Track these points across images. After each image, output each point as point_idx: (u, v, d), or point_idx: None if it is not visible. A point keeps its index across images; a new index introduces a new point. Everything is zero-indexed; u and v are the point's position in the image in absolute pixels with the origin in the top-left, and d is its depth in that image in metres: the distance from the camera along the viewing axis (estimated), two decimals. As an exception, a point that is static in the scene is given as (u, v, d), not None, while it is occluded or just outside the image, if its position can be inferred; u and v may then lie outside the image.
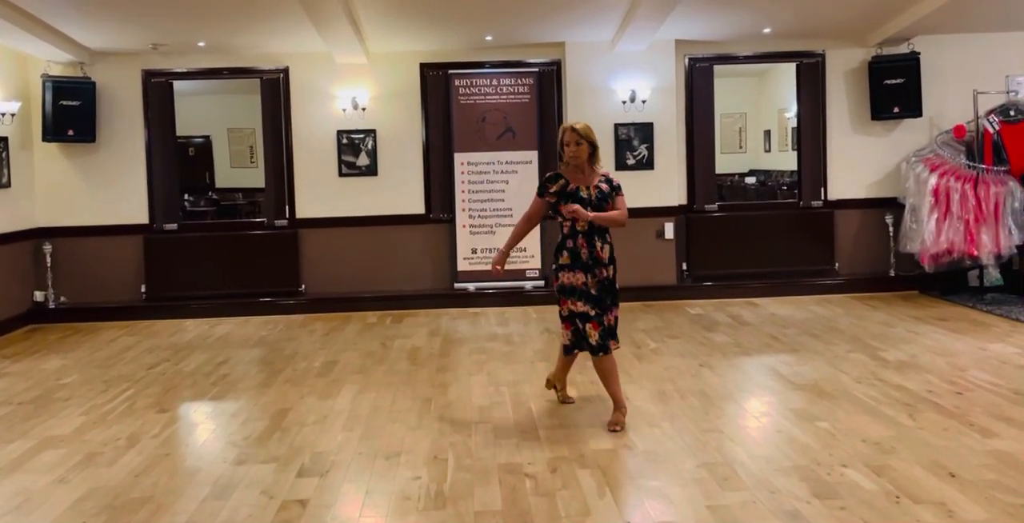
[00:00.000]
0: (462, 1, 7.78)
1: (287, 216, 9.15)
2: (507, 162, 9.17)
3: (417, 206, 9.22)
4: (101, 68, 8.87)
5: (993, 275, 8.78)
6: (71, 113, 8.61)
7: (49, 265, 8.81)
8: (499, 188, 9.16)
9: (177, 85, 9.29)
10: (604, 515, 3.76)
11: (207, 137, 13.89)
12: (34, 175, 8.88)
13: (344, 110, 9.04)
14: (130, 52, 8.82)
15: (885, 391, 5.51)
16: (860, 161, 9.33)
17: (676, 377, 6.00)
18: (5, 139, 8.27)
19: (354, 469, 4.40)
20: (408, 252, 9.22)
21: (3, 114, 8.14)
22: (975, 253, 8.32)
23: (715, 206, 9.38)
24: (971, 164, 8.55)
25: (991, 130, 8.53)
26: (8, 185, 8.32)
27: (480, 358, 6.78)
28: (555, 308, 8.67)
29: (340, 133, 9.11)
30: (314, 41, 8.32)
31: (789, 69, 10.28)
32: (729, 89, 12.53)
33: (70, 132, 8.64)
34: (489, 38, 8.84)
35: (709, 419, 5.06)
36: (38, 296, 8.80)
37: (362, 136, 9.13)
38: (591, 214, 4.88)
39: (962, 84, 9.00)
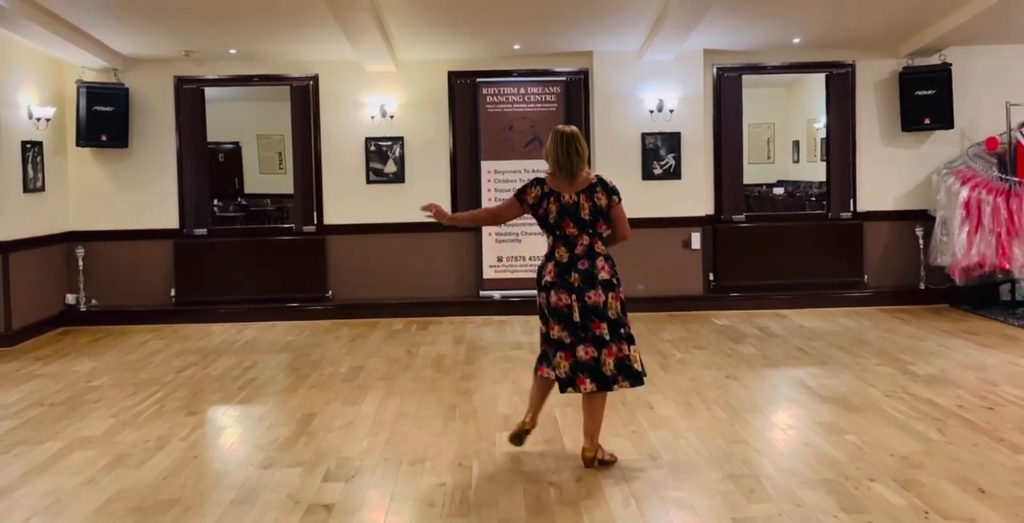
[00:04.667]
0: (491, 10, 7.83)
1: (315, 222, 9.22)
2: (534, 171, 9.15)
3: (444, 214, 9.24)
4: (134, 74, 9.00)
5: (1025, 289, 8.67)
6: (104, 119, 8.74)
7: (81, 268, 8.93)
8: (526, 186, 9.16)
9: (208, 92, 9.40)
10: (629, 525, 3.76)
11: (236, 143, 14.04)
12: (68, 179, 9.01)
13: (372, 117, 9.11)
14: (163, 59, 8.94)
15: (914, 405, 5.46)
16: (890, 173, 9.26)
17: (702, 388, 5.98)
18: (40, 144, 8.40)
19: (379, 475, 4.42)
20: (434, 260, 9.25)
21: (38, 119, 8.28)
22: (1007, 266, 8.23)
23: (742, 216, 9.34)
24: (1003, 177, 8.46)
25: (1024, 142, 8.44)
26: (42, 189, 8.45)
27: (505, 366, 6.79)
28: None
29: (368, 140, 9.17)
30: (343, 49, 8.40)
31: (818, 79, 10.23)
32: (757, 99, 12.48)
33: (103, 137, 8.76)
34: (517, 47, 8.87)
35: (735, 431, 5.03)
36: (70, 299, 8.92)
37: (390, 143, 9.18)
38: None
39: (994, 96, 8.92)
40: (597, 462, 4.46)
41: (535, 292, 4.56)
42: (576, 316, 4.36)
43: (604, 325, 4.37)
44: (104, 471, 4.55)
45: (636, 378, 4.44)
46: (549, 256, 4.50)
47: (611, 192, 4.47)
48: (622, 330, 4.45)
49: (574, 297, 4.36)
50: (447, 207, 9.20)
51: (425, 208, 4.67)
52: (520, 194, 4.54)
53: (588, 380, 4.36)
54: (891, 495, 4.00)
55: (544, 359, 4.56)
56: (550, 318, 4.44)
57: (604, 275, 4.39)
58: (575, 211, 4.40)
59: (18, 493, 4.28)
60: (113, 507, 4.07)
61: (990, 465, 4.37)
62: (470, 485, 4.25)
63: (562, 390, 4.44)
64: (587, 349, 4.37)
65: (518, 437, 4.61)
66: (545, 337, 4.53)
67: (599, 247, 4.45)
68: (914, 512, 3.81)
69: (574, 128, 4.58)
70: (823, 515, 3.79)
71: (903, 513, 3.80)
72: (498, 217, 4.84)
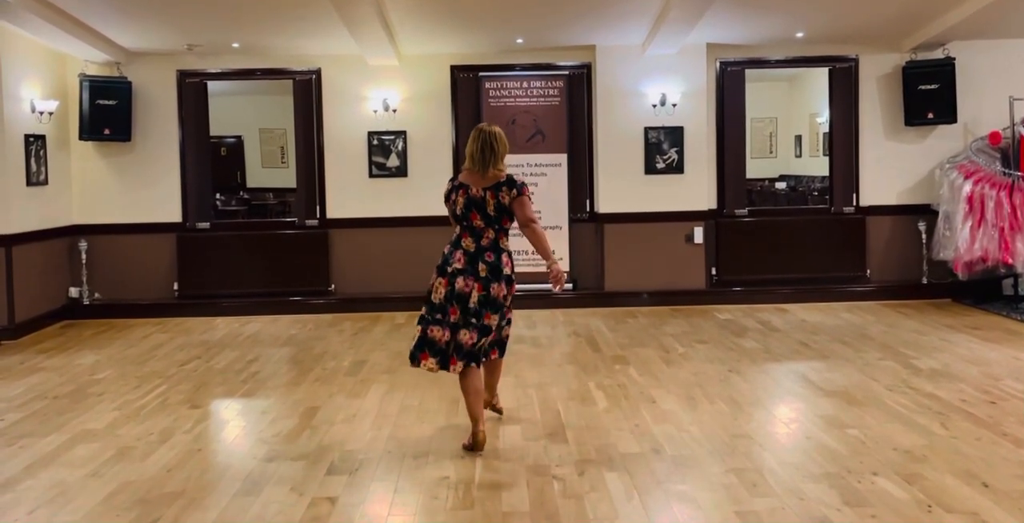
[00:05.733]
0: (493, 4, 7.82)
1: (317, 216, 9.23)
2: (536, 164, 9.18)
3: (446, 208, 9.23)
4: (137, 68, 8.99)
5: (1028, 284, 8.67)
6: (107, 112, 8.73)
7: (84, 262, 8.93)
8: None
9: (210, 85, 9.39)
10: (632, 519, 3.76)
11: (239, 137, 14.01)
12: (70, 173, 9.01)
13: (375, 111, 9.10)
14: (165, 52, 8.94)
15: (917, 399, 5.46)
16: (893, 167, 9.25)
17: (705, 382, 5.98)
18: (43, 137, 8.40)
19: (383, 468, 4.43)
20: (437, 253, 9.12)
21: (41, 113, 8.28)
22: (1010, 261, 8.22)
23: (745, 211, 9.33)
24: (1006, 171, 8.45)
25: (1027, 137, 8.43)
26: (45, 183, 8.45)
27: (507, 360, 6.69)
28: (582, 311, 8.78)
29: (371, 134, 9.17)
30: (346, 43, 8.39)
31: (821, 73, 10.21)
32: (760, 93, 12.45)
33: (106, 131, 8.76)
34: (520, 41, 8.86)
35: (738, 425, 5.03)
36: (73, 292, 8.93)
37: (392, 137, 9.18)
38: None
39: (998, 90, 8.90)
40: (491, 407, 5.07)
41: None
42: (472, 303, 4.63)
43: (496, 317, 4.70)
44: (108, 464, 4.56)
45: (503, 350, 4.95)
46: (456, 245, 4.77)
47: (513, 187, 4.67)
48: (505, 320, 4.85)
49: (478, 286, 4.64)
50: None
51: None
52: (444, 197, 4.84)
53: (460, 362, 4.64)
54: (894, 489, 4.00)
55: (422, 345, 4.69)
56: (450, 302, 4.65)
57: (507, 270, 4.71)
58: (482, 206, 4.67)
59: (23, 485, 4.29)
60: (117, 499, 4.08)
61: (993, 459, 4.37)
62: (473, 478, 4.26)
63: (413, 363, 4.70)
64: (471, 335, 4.63)
65: (477, 447, 4.65)
66: (429, 320, 4.70)
67: (503, 243, 4.74)
68: (917, 506, 3.82)
69: (496, 129, 4.79)
70: (826, 509, 3.80)
71: (906, 507, 3.81)
72: (454, 223, 4.89)
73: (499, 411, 5.21)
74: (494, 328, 4.72)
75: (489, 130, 4.75)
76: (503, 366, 5.14)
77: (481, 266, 4.67)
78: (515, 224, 4.76)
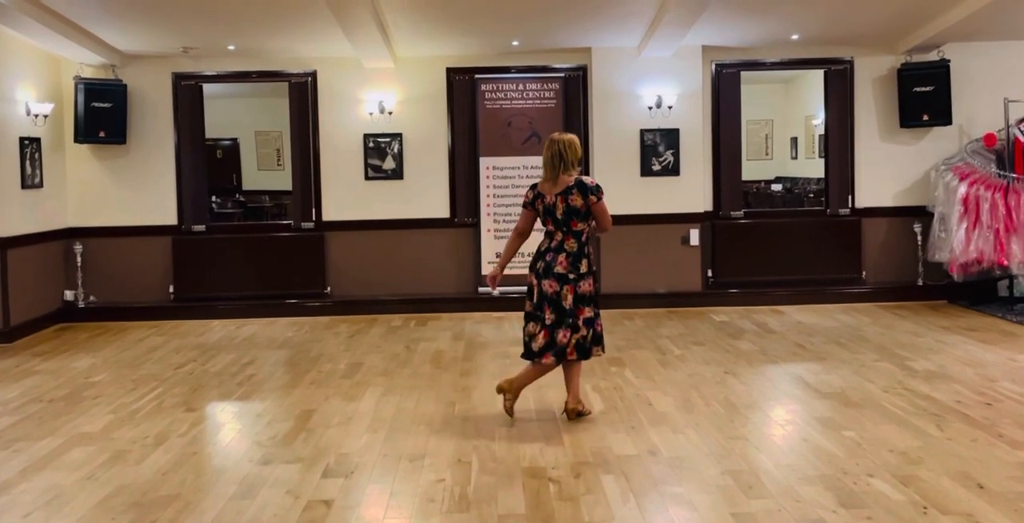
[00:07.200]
0: (489, 7, 7.83)
1: (313, 219, 9.22)
2: (532, 167, 9.17)
3: (442, 210, 9.26)
4: (132, 71, 8.98)
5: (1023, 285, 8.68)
6: (102, 115, 8.72)
7: (79, 265, 8.92)
8: (524, 193, 9.15)
9: (206, 88, 9.38)
10: (628, 521, 3.76)
11: (235, 140, 14.02)
12: (66, 176, 9.00)
13: (371, 114, 9.10)
14: (161, 55, 8.93)
15: (913, 401, 5.47)
16: (888, 169, 9.26)
17: (701, 384, 5.98)
18: (38, 140, 8.39)
19: (378, 471, 4.43)
20: (433, 256, 9.25)
21: (36, 115, 8.27)
22: (1005, 263, 8.24)
23: (741, 213, 9.34)
24: (1001, 173, 8.46)
25: (1022, 138, 8.44)
26: (40, 185, 8.44)
27: (504, 362, 6.78)
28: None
29: (367, 137, 9.16)
30: (342, 45, 8.39)
31: (816, 76, 10.24)
32: (756, 95, 12.48)
33: (101, 134, 8.75)
34: (515, 43, 8.86)
35: (734, 426, 5.03)
36: (68, 295, 8.92)
37: (388, 140, 9.18)
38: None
39: (993, 92, 8.92)
40: (575, 413, 5.16)
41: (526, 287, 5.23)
42: (534, 297, 5.09)
43: (551, 311, 5.00)
44: (103, 467, 4.55)
45: (580, 351, 5.08)
46: (539, 246, 5.14)
47: (587, 193, 4.96)
48: (570, 320, 5.01)
49: (544, 283, 5.02)
50: (445, 203, 9.22)
51: (490, 283, 5.29)
52: (524, 202, 5.19)
53: (551, 356, 5.05)
54: (890, 490, 4.01)
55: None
56: (540, 299, 5.07)
57: (559, 269, 4.99)
58: (553, 211, 5.01)
59: (18, 489, 4.28)
60: (112, 503, 4.07)
61: (989, 460, 4.38)
62: (469, 481, 4.25)
63: (588, 356, 5.12)
64: (532, 328, 5.10)
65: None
66: (590, 319, 5.13)
67: (568, 244, 5.01)
68: (913, 507, 3.82)
69: (568, 137, 5.05)
70: (822, 511, 3.80)
71: (902, 508, 3.81)
72: (523, 232, 5.26)
73: (581, 414, 5.20)
74: (551, 325, 5.00)
75: (561, 139, 5.02)
76: (579, 369, 5.24)
77: (540, 264, 5.04)
78: (580, 224, 5.00)
